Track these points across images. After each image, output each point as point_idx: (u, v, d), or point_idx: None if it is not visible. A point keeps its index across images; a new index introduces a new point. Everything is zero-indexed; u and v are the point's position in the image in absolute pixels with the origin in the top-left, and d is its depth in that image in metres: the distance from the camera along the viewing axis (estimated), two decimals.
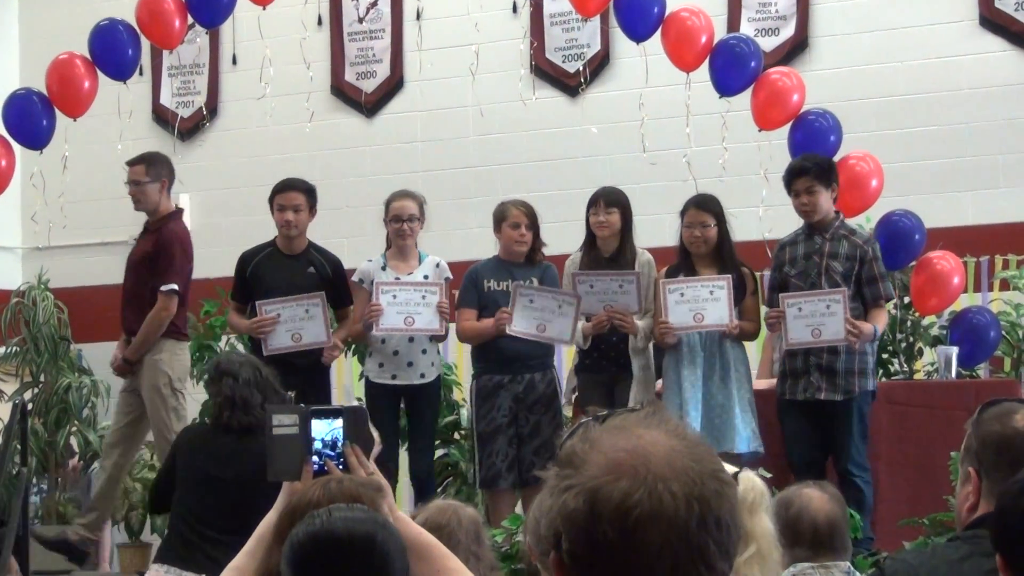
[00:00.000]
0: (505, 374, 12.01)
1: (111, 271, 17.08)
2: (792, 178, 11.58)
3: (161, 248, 12.77)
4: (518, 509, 11.70)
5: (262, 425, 5.31)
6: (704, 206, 11.73)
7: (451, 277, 12.41)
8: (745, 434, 11.39)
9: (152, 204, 12.93)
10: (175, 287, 12.62)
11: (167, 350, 12.75)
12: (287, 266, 12.37)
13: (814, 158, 11.78)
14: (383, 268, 12.26)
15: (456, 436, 13.87)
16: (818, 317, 11.21)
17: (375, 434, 6.02)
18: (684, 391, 11.52)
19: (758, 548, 5.29)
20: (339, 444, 4.97)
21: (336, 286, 12.42)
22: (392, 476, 11.94)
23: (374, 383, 12.29)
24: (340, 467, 4.94)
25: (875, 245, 11.66)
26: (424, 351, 12.25)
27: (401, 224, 12.21)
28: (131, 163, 13.05)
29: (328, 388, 12.47)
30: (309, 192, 12.41)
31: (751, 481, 5.85)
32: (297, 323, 12.08)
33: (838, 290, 11.23)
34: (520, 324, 11.74)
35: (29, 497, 13.48)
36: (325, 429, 5.01)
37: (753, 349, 12.45)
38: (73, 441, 15.31)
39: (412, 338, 12.14)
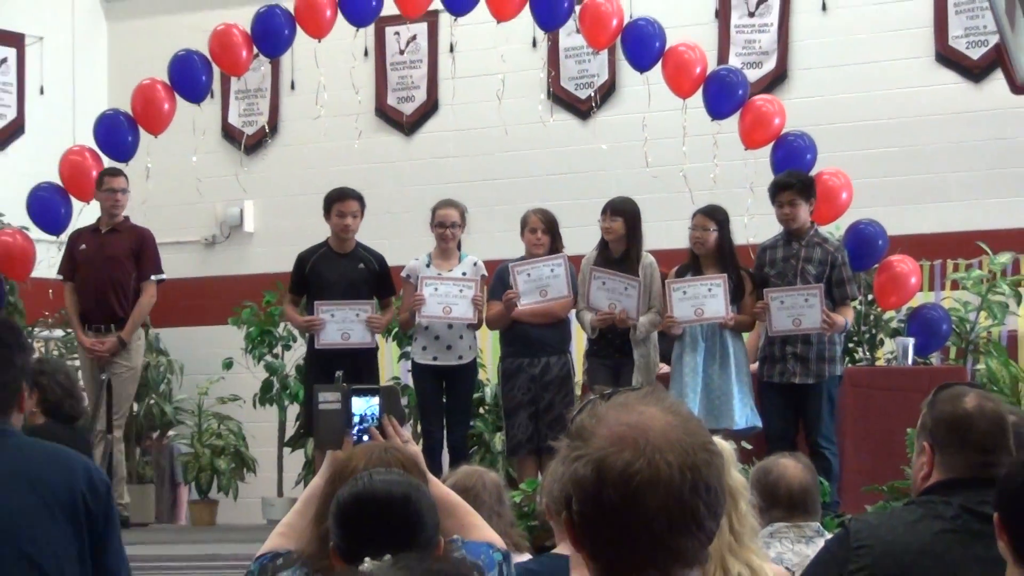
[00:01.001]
0: (526, 357, 12.03)
1: (186, 266, 17.12)
2: (778, 191, 11.65)
3: (145, 244, 12.99)
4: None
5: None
6: (709, 214, 11.77)
7: (486, 274, 12.39)
8: (743, 412, 11.43)
9: (125, 209, 13.06)
10: (163, 277, 13.07)
11: (141, 335, 13.14)
12: (341, 263, 12.33)
13: (798, 175, 11.85)
14: (427, 265, 12.25)
15: (481, 411, 13.84)
16: (798, 309, 11.28)
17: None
18: (687, 375, 11.57)
19: (731, 496, 5.27)
20: (376, 418, 4.96)
21: (382, 278, 12.45)
22: (438, 446, 11.98)
23: (418, 364, 12.34)
24: (379, 435, 4.94)
25: (844, 252, 11.74)
26: (461, 336, 12.25)
27: (444, 229, 12.26)
28: (113, 174, 13.06)
29: (376, 369, 12.44)
30: (361, 200, 12.40)
31: (721, 444, 5.86)
32: (348, 324, 12.11)
33: (815, 286, 11.31)
34: (527, 299, 11.92)
35: (113, 460, 13.46)
36: (364, 405, 5.00)
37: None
38: (152, 413, 15.29)
39: (451, 325, 12.15)
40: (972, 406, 4.50)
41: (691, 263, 11.80)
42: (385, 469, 4.28)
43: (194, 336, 16.55)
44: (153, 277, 12.97)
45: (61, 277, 12.90)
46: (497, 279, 12.22)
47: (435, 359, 12.24)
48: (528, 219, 12.16)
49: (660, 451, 2.74)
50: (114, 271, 12.78)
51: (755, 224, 12.53)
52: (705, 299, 11.50)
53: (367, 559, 2.46)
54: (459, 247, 12.44)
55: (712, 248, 11.69)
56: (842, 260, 11.60)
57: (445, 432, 12.25)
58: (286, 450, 14.73)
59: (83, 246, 12.78)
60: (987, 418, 4.45)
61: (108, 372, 12.65)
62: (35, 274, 13.70)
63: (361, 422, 4.98)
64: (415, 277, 12.15)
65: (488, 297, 12.26)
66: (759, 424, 11.42)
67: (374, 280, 12.40)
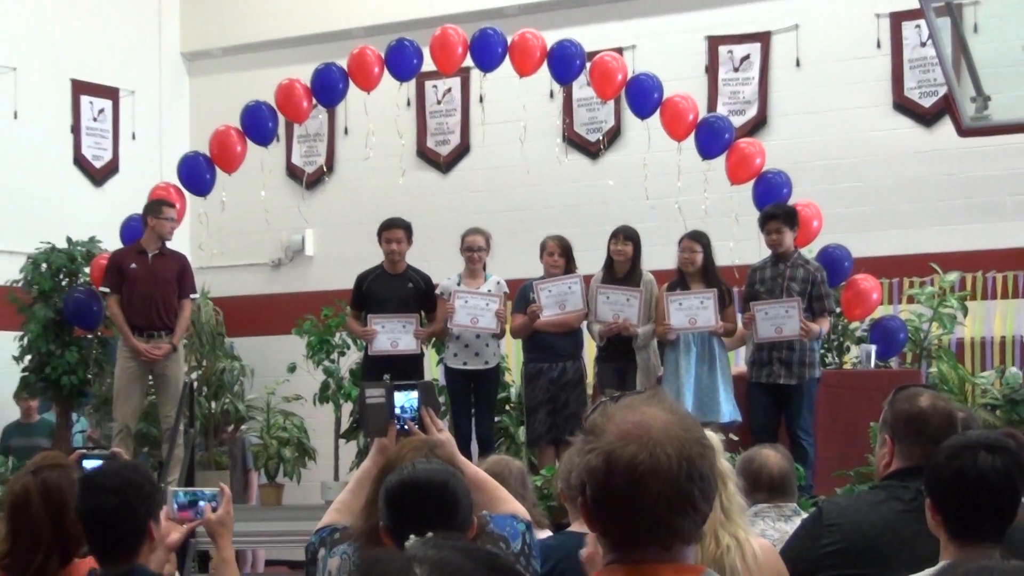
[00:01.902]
0: (545, 362, 12.04)
1: (256, 284, 17.18)
2: (766, 220, 11.69)
3: (186, 268, 13.03)
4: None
5: None
6: (696, 238, 11.83)
7: (508, 291, 12.42)
8: (727, 407, 11.47)
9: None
10: (196, 296, 13.33)
11: (180, 345, 13.11)
12: (393, 283, 12.36)
13: (783, 207, 11.91)
14: (458, 284, 12.26)
15: (507, 407, 13.82)
16: (780, 319, 11.29)
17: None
18: (680, 375, 11.57)
19: (721, 479, 5.25)
20: (414, 409, 5.00)
21: (429, 296, 12.45)
22: (468, 438, 11.98)
23: (450, 368, 12.35)
24: (417, 426, 4.95)
25: (823, 272, 11.76)
26: (487, 344, 12.27)
27: (472, 253, 12.31)
28: (169, 205, 13.01)
29: (422, 372, 12.41)
30: (407, 228, 12.44)
31: (711, 436, 5.86)
32: (396, 334, 12.16)
33: (794, 299, 11.30)
34: (548, 311, 11.94)
35: (195, 449, 13.46)
36: (404, 398, 5.04)
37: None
38: (227, 410, 15.28)
39: (479, 335, 12.16)
40: (927, 404, 4.52)
41: (679, 280, 11.83)
42: (425, 459, 4.29)
43: (263, 344, 16.55)
44: (192, 296, 13.11)
45: (106, 290, 12.79)
46: (520, 295, 12.25)
47: (465, 364, 12.26)
48: (546, 244, 12.22)
49: (661, 445, 2.80)
50: (164, 289, 12.71)
51: (740, 248, 12.58)
52: (698, 310, 11.54)
53: (412, 536, 2.45)
54: (485, 268, 12.44)
55: (699, 267, 11.73)
56: (821, 279, 11.63)
57: (473, 425, 12.27)
58: (341, 441, 14.70)
59: (133, 265, 12.67)
60: (939, 414, 4.46)
61: (160, 373, 12.69)
62: None
63: (402, 412, 5.00)
64: (447, 293, 12.18)
65: (512, 310, 12.31)
66: (740, 419, 11.44)
67: (421, 297, 12.44)
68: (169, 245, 13.10)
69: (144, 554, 4.84)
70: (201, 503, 5.30)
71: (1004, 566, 1.97)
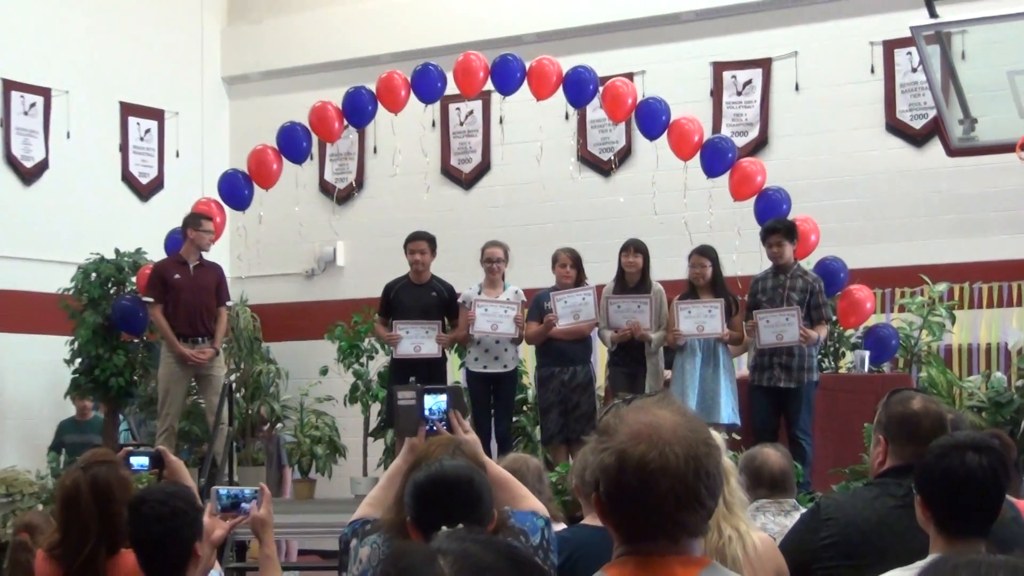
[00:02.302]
0: (557, 366, 12.05)
1: (290, 293, 17.19)
2: (768, 234, 11.68)
3: (222, 278, 13.09)
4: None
5: None
6: (704, 253, 11.82)
7: (525, 300, 12.39)
8: (727, 410, 11.45)
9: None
10: (231, 304, 13.24)
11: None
12: (418, 292, 12.36)
13: (784, 221, 11.91)
14: (479, 293, 12.27)
15: (524, 408, 13.82)
16: (780, 326, 11.28)
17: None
18: (686, 379, 11.57)
19: (723, 475, 5.24)
20: (443, 411, 4.97)
21: (451, 304, 12.44)
22: (487, 437, 11.96)
23: (472, 371, 12.37)
24: (445, 427, 4.94)
25: (820, 282, 11.75)
26: (506, 349, 12.29)
27: (492, 264, 12.31)
28: (208, 218, 13.01)
29: (444, 375, 12.39)
30: (431, 240, 12.44)
31: (715, 436, 5.87)
32: (419, 339, 12.16)
33: (794, 308, 11.28)
34: (563, 321, 11.95)
35: (233, 446, 13.48)
36: (433, 401, 5.02)
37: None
38: (263, 410, 15.28)
39: (498, 340, 12.17)
40: (919, 407, 4.52)
41: (690, 291, 11.82)
42: (451, 456, 4.29)
43: (297, 349, 16.56)
44: (229, 303, 13.14)
45: (150, 299, 12.75)
46: (535, 304, 12.24)
47: (485, 368, 12.26)
48: (558, 256, 12.23)
49: (669, 445, 2.82)
50: (205, 298, 12.74)
51: (742, 260, 12.57)
52: (705, 318, 11.54)
53: (443, 527, 2.45)
54: (503, 278, 12.44)
55: (708, 280, 11.73)
56: (819, 288, 11.62)
57: (492, 425, 12.25)
58: (370, 439, 14.71)
59: (176, 276, 12.67)
60: (930, 416, 4.46)
61: (207, 374, 12.72)
62: None
63: (431, 414, 5.00)
64: (469, 302, 12.18)
65: (527, 318, 12.27)
66: (739, 423, 11.41)
67: (444, 305, 12.43)
68: (209, 256, 13.13)
69: (190, 572, 4.87)
70: (244, 504, 5.31)
71: (990, 559, 1.96)
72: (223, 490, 5.39)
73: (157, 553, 4.82)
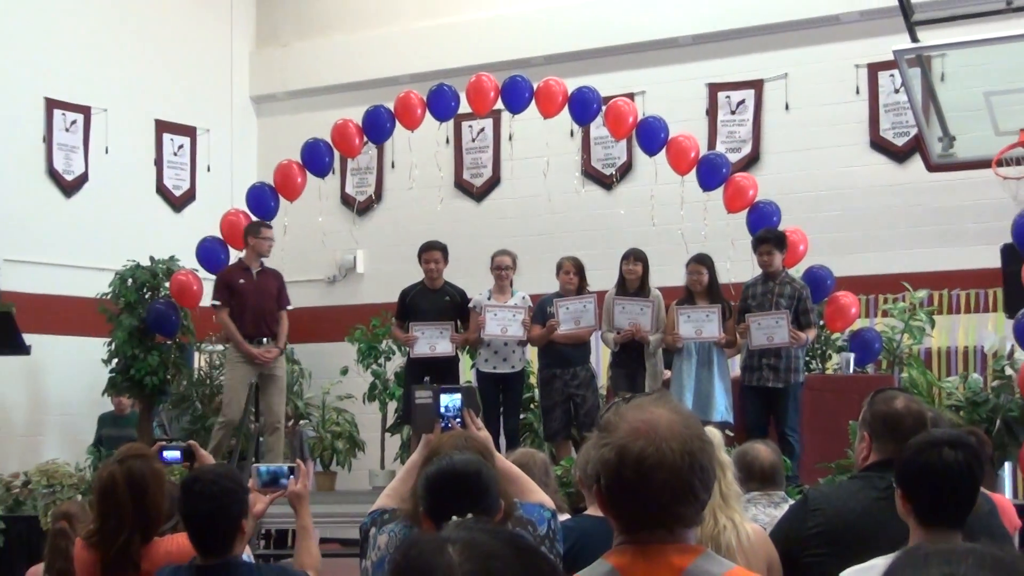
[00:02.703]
0: (559, 367, 12.05)
1: (313, 298, 17.19)
2: (759, 243, 11.69)
3: (283, 283, 12.97)
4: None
5: None
6: (701, 261, 11.83)
7: (532, 305, 12.39)
8: (721, 409, 11.43)
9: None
10: (291, 307, 13.04)
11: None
12: (432, 297, 12.37)
13: (774, 232, 11.91)
14: (488, 298, 12.27)
15: (531, 406, 13.81)
16: (771, 328, 11.26)
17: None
18: (683, 379, 11.57)
19: (721, 469, 5.24)
20: (457, 410, 5.00)
21: (463, 308, 12.43)
22: (496, 433, 11.95)
23: (482, 371, 12.34)
24: (459, 424, 4.94)
25: (807, 289, 11.74)
26: (514, 351, 12.28)
27: (501, 271, 12.31)
28: (267, 226, 13.01)
29: (457, 374, 12.40)
30: (444, 249, 12.46)
31: (712, 432, 5.87)
32: (434, 340, 12.15)
33: (783, 311, 11.28)
34: (565, 326, 11.94)
35: (259, 440, 13.46)
36: (448, 400, 5.04)
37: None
38: (288, 407, 15.30)
39: (507, 342, 12.16)
40: (901, 406, 4.52)
41: (687, 297, 11.80)
42: (461, 450, 4.29)
43: (319, 350, 16.56)
44: (289, 307, 12.99)
45: (218, 303, 12.69)
46: (539, 308, 12.25)
47: (494, 368, 12.25)
48: (562, 264, 12.24)
49: (666, 440, 2.81)
50: (267, 302, 12.68)
51: (735, 268, 12.56)
52: (704, 323, 11.53)
53: (454, 516, 2.46)
54: (512, 285, 12.43)
55: (704, 286, 11.73)
56: (806, 295, 11.61)
57: (501, 422, 12.24)
58: (387, 435, 14.74)
59: (241, 280, 12.62)
60: (912, 415, 4.46)
61: (270, 373, 12.60)
62: (202, 303, 13.76)
63: (447, 412, 5.00)
64: (479, 307, 12.18)
65: (532, 321, 12.26)
66: (731, 421, 11.39)
67: (457, 309, 12.43)
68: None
69: (237, 546, 4.91)
70: (282, 480, 5.44)
71: (960, 547, 1.96)
72: (263, 467, 5.52)
73: (208, 528, 4.87)
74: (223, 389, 13.12)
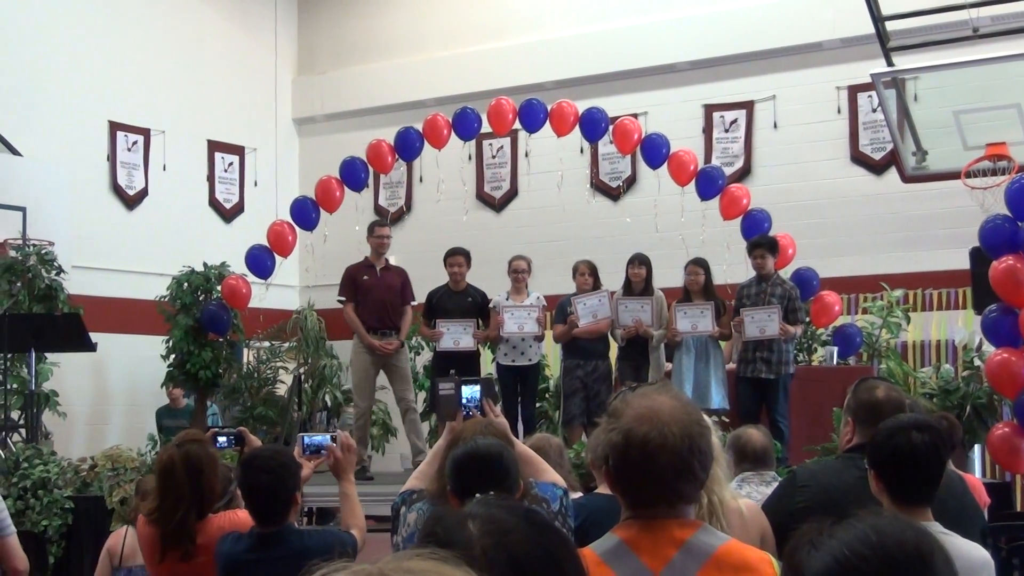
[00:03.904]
0: (580, 359, 12.00)
1: None
2: (753, 248, 11.65)
3: (406, 280, 12.58)
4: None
5: None
6: (698, 263, 11.82)
7: (545, 304, 12.39)
8: (717, 397, 11.42)
9: (388, 250, 12.67)
10: (415, 303, 12.61)
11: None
12: (456, 298, 12.31)
13: (767, 237, 11.88)
14: (506, 299, 12.25)
15: (547, 396, 13.80)
16: (763, 322, 11.22)
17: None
18: (682, 371, 11.54)
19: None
20: (477, 399, 4.98)
21: (484, 308, 12.37)
22: (515, 420, 11.94)
23: (501, 365, 12.30)
24: (479, 412, 4.94)
25: (797, 290, 11.68)
26: (531, 346, 12.24)
27: (518, 274, 12.28)
28: (381, 225, 12.73)
29: (479, 367, 12.35)
30: (467, 255, 12.39)
31: (707, 419, 5.88)
32: (458, 335, 12.06)
33: (775, 306, 11.24)
34: (583, 320, 11.87)
35: (304, 427, 13.48)
36: (469, 391, 5.03)
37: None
38: (327, 398, 15.31)
39: (523, 338, 12.15)
40: (882, 394, 4.50)
41: (685, 297, 11.79)
42: (483, 435, 4.29)
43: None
44: (413, 302, 12.62)
45: (342, 299, 12.42)
46: (559, 309, 12.22)
47: (513, 361, 12.21)
48: (578, 267, 12.19)
49: (668, 425, 2.82)
50: (391, 296, 12.35)
51: (731, 270, 12.51)
52: (698, 318, 11.50)
53: (477, 495, 2.46)
54: (527, 287, 12.40)
55: (701, 286, 11.71)
56: (795, 295, 11.57)
57: (519, 410, 12.23)
58: None
59: (365, 277, 12.37)
60: (891, 402, 4.44)
61: (394, 363, 12.29)
62: (251, 304, 13.77)
63: (468, 402, 5.00)
64: (499, 307, 12.16)
65: (553, 321, 12.31)
66: (727, 407, 11.37)
67: (478, 308, 12.36)
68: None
69: (291, 516, 4.94)
70: (323, 450, 5.50)
71: (893, 518, 2.02)
72: (307, 437, 5.54)
73: (266, 499, 4.93)
74: (351, 380, 12.82)
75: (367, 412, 12.48)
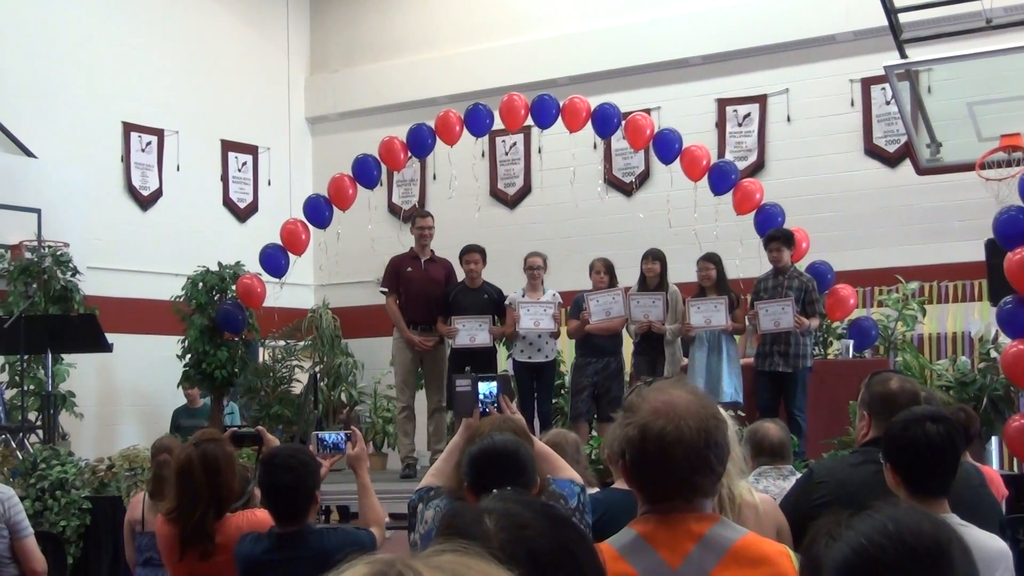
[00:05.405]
0: (593, 356, 11.99)
1: (364, 297, 17.18)
2: (769, 241, 11.61)
3: (451, 273, 12.53)
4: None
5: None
6: (709, 259, 11.80)
7: (561, 301, 12.37)
8: (729, 390, 11.42)
9: (431, 241, 12.50)
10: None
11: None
12: (472, 294, 12.25)
13: (783, 231, 11.83)
14: (522, 296, 12.25)
15: (562, 392, 13.79)
16: (777, 315, 11.17)
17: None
18: (696, 365, 11.55)
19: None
20: (494, 396, 5.00)
21: (500, 305, 12.34)
22: (531, 416, 11.94)
23: (517, 361, 12.27)
24: (496, 409, 4.95)
25: (813, 282, 11.63)
26: (547, 342, 12.21)
27: (533, 271, 12.26)
28: (423, 216, 12.67)
29: (495, 363, 12.34)
30: (482, 252, 12.33)
31: (722, 412, 5.88)
32: (474, 331, 12.00)
33: (789, 299, 11.22)
34: (596, 317, 11.84)
35: (321, 424, 13.51)
36: (486, 388, 5.04)
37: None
38: (343, 395, 15.34)
39: (540, 335, 12.13)
40: (897, 387, 4.49)
41: (699, 292, 11.79)
42: (500, 432, 4.29)
43: (370, 344, 16.56)
44: None
45: (385, 290, 12.43)
46: (574, 305, 12.20)
47: (529, 358, 12.17)
48: (594, 264, 12.17)
49: (684, 419, 2.82)
50: (434, 290, 12.30)
51: (744, 264, 12.45)
52: (712, 313, 11.48)
53: (495, 490, 2.47)
54: (543, 283, 12.39)
55: (713, 281, 11.71)
56: (812, 287, 11.52)
57: (536, 406, 12.21)
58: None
59: (408, 268, 12.34)
60: (906, 394, 4.43)
61: (433, 358, 12.27)
62: (265, 304, 13.79)
63: (485, 398, 5.00)
64: (514, 304, 12.15)
65: (568, 317, 12.28)
66: (740, 400, 11.35)
67: (494, 305, 12.33)
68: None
69: (311, 514, 4.96)
70: (340, 446, 5.64)
71: (910, 509, 2.01)
72: (323, 435, 5.62)
73: (287, 498, 4.95)
74: (395, 376, 12.73)
75: (410, 408, 12.47)
